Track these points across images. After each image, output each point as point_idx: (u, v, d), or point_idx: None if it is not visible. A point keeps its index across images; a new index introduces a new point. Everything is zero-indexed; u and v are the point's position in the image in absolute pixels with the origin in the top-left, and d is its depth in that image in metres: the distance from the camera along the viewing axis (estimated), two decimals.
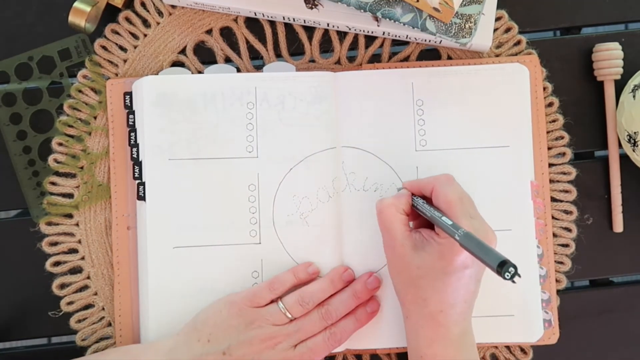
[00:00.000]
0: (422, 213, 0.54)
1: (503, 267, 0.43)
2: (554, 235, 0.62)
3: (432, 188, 0.54)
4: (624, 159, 0.62)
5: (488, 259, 0.44)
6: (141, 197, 0.59)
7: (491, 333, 0.59)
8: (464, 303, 0.52)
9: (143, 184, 0.59)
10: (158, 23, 0.63)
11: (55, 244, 0.61)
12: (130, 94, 0.61)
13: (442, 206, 0.52)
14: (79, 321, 0.61)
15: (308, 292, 0.57)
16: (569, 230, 0.62)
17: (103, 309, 0.61)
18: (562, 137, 0.62)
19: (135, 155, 0.60)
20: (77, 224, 0.61)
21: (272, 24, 0.63)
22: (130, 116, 0.60)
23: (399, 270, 0.54)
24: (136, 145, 0.60)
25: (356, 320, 0.58)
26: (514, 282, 0.43)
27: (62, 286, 0.61)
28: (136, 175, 0.59)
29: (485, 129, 0.61)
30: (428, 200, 0.55)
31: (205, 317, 0.56)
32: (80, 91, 0.62)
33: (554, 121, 0.62)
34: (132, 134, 0.60)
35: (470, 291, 0.52)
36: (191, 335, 0.55)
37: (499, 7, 0.61)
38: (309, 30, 0.63)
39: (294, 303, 0.56)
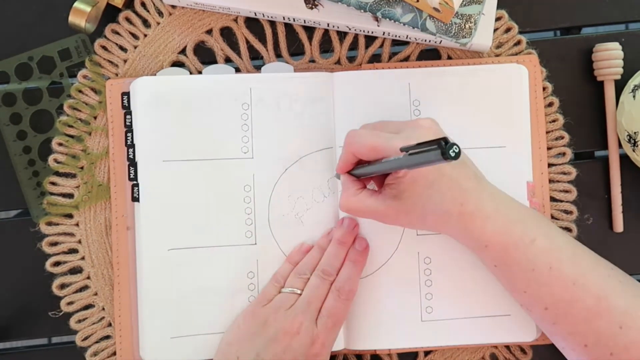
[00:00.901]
0: (371, 175, 0.54)
1: (445, 149, 0.41)
2: None
3: (351, 153, 0.54)
4: (624, 159, 0.62)
5: (430, 157, 0.42)
6: (135, 199, 0.59)
7: (488, 333, 0.59)
8: (467, 179, 0.52)
9: (137, 185, 0.59)
10: (158, 23, 0.63)
11: (55, 244, 0.61)
12: (127, 94, 0.61)
13: (371, 155, 0.52)
14: (79, 321, 0.61)
15: (301, 264, 0.58)
16: (569, 230, 0.62)
17: (103, 309, 0.61)
18: (562, 137, 0.62)
19: (131, 156, 0.60)
20: (77, 224, 0.61)
21: (272, 24, 0.63)
22: (128, 116, 0.60)
23: (411, 220, 0.54)
24: (133, 146, 0.60)
25: (352, 263, 0.58)
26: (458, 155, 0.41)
27: (62, 286, 0.61)
28: (131, 176, 0.59)
29: (482, 129, 0.61)
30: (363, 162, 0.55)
31: (228, 338, 0.56)
32: (80, 91, 0.62)
33: (553, 121, 0.62)
34: (129, 134, 0.60)
35: (468, 174, 0.53)
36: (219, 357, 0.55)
37: (499, 7, 0.61)
38: (309, 30, 0.63)
39: (294, 280, 0.57)
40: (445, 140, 0.41)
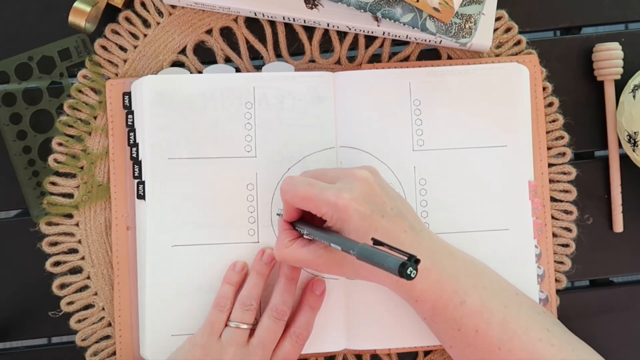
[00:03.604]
0: (315, 237, 0.53)
1: (405, 267, 0.41)
2: (554, 235, 0.62)
3: (288, 204, 0.53)
4: (624, 159, 0.62)
5: (387, 265, 0.42)
6: (141, 196, 0.59)
7: None
8: (404, 232, 0.51)
9: (143, 182, 0.59)
10: (158, 23, 0.63)
11: (55, 244, 0.61)
12: (129, 94, 0.61)
13: (303, 204, 0.52)
14: (79, 321, 0.61)
15: (244, 295, 0.56)
16: (569, 230, 0.62)
17: (103, 309, 0.61)
18: (562, 137, 0.62)
19: (134, 155, 0.60)
20: (77, 224, 0.61)
21: (272, 24, 0.63)
22: (129, 116, 0.60)
23: (348, 271, 0.53)
24: (135, 145, 0.60)
25: (310, 309, 0.57)
26: (411, 278, 0.41)
27: (62, 286, 0.61)
28: (136, 174, 0.60)
29: (483, 128, 0.61)
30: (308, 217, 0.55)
31: None
32: (80, 91, 0.62)
33: (553, 121, 0.62)
34: (132, 133, 0.60)
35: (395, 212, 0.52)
36: None
37: (499, 7, 0.61)
38: (309, 30, 0.63)
39: (240, 312, 0.55)
40: (414, 259, 0.41)
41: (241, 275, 0.58)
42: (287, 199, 0.53)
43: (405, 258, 0.42)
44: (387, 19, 0.57)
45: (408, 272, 0.41)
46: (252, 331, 0.55)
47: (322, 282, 0.58)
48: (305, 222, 0.55)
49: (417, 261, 0.42)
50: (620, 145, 0.62)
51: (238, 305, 0.56)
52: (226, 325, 0.55)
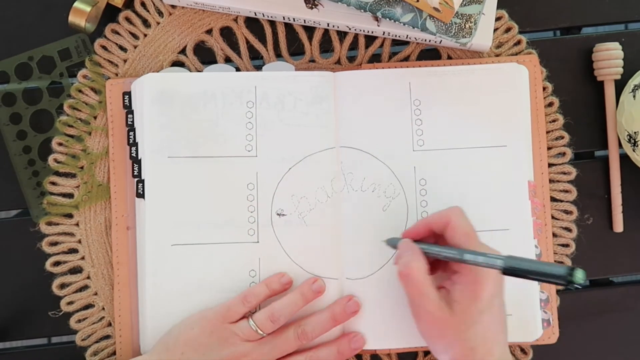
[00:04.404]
0: (442, 258, 0.52)
1: (572, 274, 0.41)
2: (554, 235, 0.62)
3: (448, 222, 0.52)
4: (624, 159, 0.62)
5: (551, 271, 0.42)
6: (140, 195, 0.59)
7: None
8: (502, 333, 0.51)
9: (142, 181, 0.59)
10: (158, 23, 0.63)
11: (55, 244, 0.61)
12: (129, 93, 0.61)
13: (461, 239, 0.51)
14: (79, 321, 0.61)
15: (278, 307, 0.56)
16: (569, 230, 0.62)
17: (103, 309, 0.61)
18: (562, 137, 0.62)
19: (134, 154, 0.60)
20: (77, 224, 0.61)
21: (272, 24, 0.63)
22: (129, 116, 0.60)
23: (442, 334, 0.51)
24: (135, 144, 0.60)
25: (338, 353, 0.57)
26: (578, 288, 0.41)
27: (62, 286, 0.61)
28: (135, 173, 0.60)
29: (483, 128, 0.61)
30: (429, 239, 0.54)
31: (178, 334, 0.55)
32: (80, 91, 0.62)
33: (553, 121, 0.62)
34: (131, 133, 0.60)
35: (504, 318, 0.51)
36: (163, 355, 0.54)
37: (499, 7, 0.61)
38: (309, 30, 0.63)
39: (265, 319, 0.55)
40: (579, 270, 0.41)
41: (282, 287, 0.58)
42: (454, 220, 0.52)
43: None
44: (387, 19, 0.57)
45: (577, 276, 0.41)
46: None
47: (362, 340, 0.58)
48: (436, 245, 0.54)
49: (583, 271, 0.41)
50: (620, 145, 0.62)
51: (267, 312, 0.55)
52: (242, 318, 0.56)
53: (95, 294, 0.61)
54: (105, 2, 0.61)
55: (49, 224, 0.61)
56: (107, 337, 0.61)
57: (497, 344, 0.50)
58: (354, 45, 0.63)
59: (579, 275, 0.41)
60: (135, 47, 0.63)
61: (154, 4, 0.63)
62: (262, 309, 0.56)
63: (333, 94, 0.61)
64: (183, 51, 0.63)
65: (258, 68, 0.63)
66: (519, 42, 0.63)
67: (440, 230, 0.53)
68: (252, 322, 0.55)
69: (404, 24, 0.57)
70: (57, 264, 0.61)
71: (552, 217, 0.62)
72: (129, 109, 0.61)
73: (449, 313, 0.50)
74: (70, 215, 0.62)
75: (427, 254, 0.53)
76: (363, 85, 0.61)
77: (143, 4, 0.63)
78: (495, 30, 0.62)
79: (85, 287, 0.61)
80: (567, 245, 0.62)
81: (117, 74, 0.62)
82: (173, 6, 0.63)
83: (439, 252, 0.52)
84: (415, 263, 0.52)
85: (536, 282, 0.59)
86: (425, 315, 0.52)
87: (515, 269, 0.45)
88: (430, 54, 0.63)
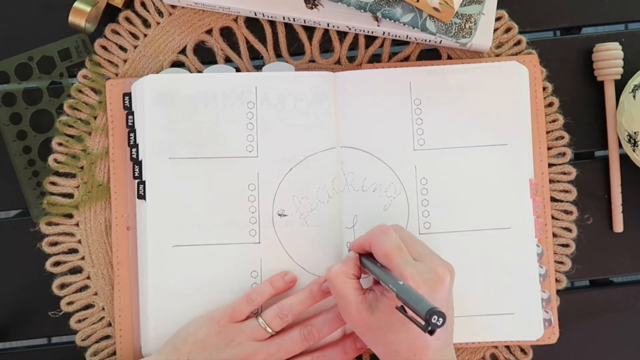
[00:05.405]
0: (369, 272, 0.53)
1: (431, 316, 0.43)
2: (554, 235, 0.62)
3: (369, 244, 0.53)
4: (624, 159, 0.62)
5: (418, 308, 0.44)
6: (141, 196, 0.59)
7: (491, 331, 0.59)
8: (436, 340, 0.51)
9: (143, 182, 0.59)
10: (158, 23, 0.63)
11: (55, 244, 0.61)
12: (129, 95, 0.61)
13: (382, 260, 0.52)
14: (79, 321, 0.61)
15: (287, 304, 0.56)
16: (569, 230, 0.62)
17: (103, 309, 0.61)
18: (562, 137, 0.62)
19: (134, 156, 0.60)
20: (77, 224, 0.61)
21: (272, 24, 0.63)
22: (130, 117, 0.60)
23: (363, 333, 0.53)
24: (135, 145, 0.60)
25: (344, 353, 0.57)
26: (431, 334, 0.43)
27: (62, 286, 0.61)
28: (136, 174, 0.60)
29: (483, 127, 0.61)
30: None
31: (185, 335, 0.55)
32: (80, 91, 0.62)
33: (554, 121, 0.62)
34: (132, 134, 0.60)
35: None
36: (171, 355, 0.54)
37: (499, 7, 0.61)
38: (309, 30, 0.63)
39: (274, 316, 0.55)
40: (443, 316, 0.43)
41: (286, 285, 0.58)
42: (372, 242, 0.53)
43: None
44: (387, 19, 0.57)
45: (435, 319, 0.43)
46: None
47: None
48: (369, 258, 0.54)
49: (444, 316, 0.43)
50: (620, 145, 0.62)
51: (275, 309, 0.56)
52: (248, 317, 0.56)
53: (96, 294, 0.61)
54: (105, 2, 0.61)
55: (49, 224, 0.61)
56: (107, 337, 0.61)
57: (427, 348, 0.50)
58: (354, 46, 0.63)
59: (437, 318, 0.43)
60: (135, 47, 0.63)
61: (154, 4, 0.63)
62: (270, 307, 0.56)
63: (333, 94, 0.61)
64: (183, 51, 0.63)
65: (258, 68, 0.63)
66: (519, 42, 0.63)
67: (370, 251, 0.54)
68: (261, 320, 0.55)
69: (404, 24, 0.57)
70: (57, 264, 0.61)
71: (552, 217, 0.62)
72: (129, 110, 0.61)
73: (368, 315, 0.52)
74: (70, 216, 0.62)
75: (363, 267, 0.54)
76: (363, 85, 0.61)
77: (143, 4, 0.63)
78: (495, 30, 0.62)
79: (85, 287, 0.61)
80: (567, 246, 0.62)
81: (117, 74, 0.62)
82: (173, 6, 0.63)
83: (368, 267, 0.54)
84: (336, 267, 0.54)
85: (538, 282, 0.59)
86: (346, 315, 0.54)
87: (401, 300, 0.47)
88: (430, 54, 0.63)
